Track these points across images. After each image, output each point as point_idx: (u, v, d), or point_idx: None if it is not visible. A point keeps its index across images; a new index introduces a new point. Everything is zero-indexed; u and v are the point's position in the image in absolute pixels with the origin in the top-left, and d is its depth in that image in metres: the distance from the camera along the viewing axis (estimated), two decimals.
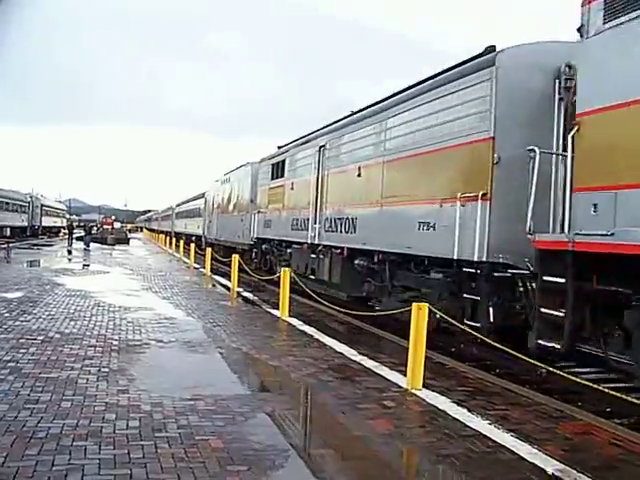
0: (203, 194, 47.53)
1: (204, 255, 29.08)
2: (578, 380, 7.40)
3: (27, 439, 5.46)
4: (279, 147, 24.15)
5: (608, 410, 7.97)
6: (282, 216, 21.91)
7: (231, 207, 32.91)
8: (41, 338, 10.13)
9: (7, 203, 56.33)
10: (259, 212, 25.04)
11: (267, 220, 24.00)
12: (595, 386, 7.26)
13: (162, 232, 76.75)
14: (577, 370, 9.23)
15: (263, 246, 24.75)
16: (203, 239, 44.06)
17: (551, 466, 5.38)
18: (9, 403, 6.51)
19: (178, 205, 71.42)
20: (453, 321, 9.31)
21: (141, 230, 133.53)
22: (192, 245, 36.35)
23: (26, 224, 65.35)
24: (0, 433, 5.58)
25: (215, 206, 38.92)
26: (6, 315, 12.35)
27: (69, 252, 40.88)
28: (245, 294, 18.71)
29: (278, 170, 22.93)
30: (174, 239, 54.36)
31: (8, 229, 55.69)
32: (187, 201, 62.33)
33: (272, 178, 23.66)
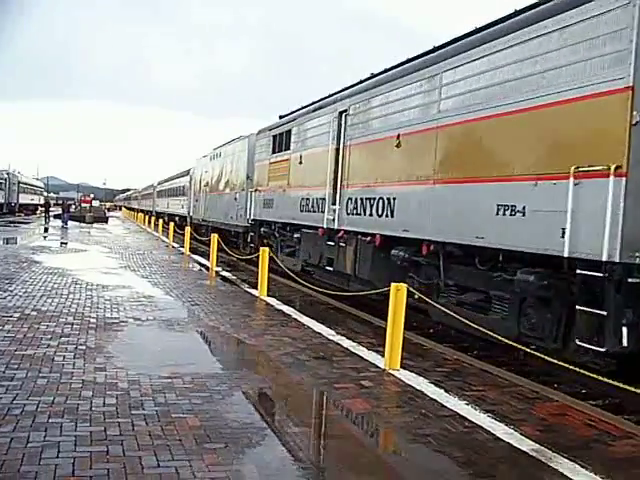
0: (188, 171, 43.94)
1: (184, 235, 28.76)
2: (554, 361, 7.44)
3: (1, 416, 5.43)
4: (281, 116, 20.86)
5: (583, 392, 8.09)
6: (287, 195, 18.48)
7: (222, 185, 29.44)
8: (17, 315, 10.05)
9: None
10: (257, 190, 21.81)
11: (267, 200, 20.55)
12: (572, 367, 7.31)
13: (142, 211, 73.45)
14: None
15: (262, 229, 21.47)
16: (188, 219, 40.55)
17: (526, 446, 5.44)
18: None
19: (160, 183, 67.20)
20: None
21: (120, 209, 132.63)
22: (171, 225, 35.65)
23: (2, 201, 64.67)
24: None
25: (203, 184, 35.04)
26: None
27: (45, 230, 40.55)
28: (224, 273, 18.69)
29: (282, 142, 19.45)
30: (155, 219, 52.92)
31: None
32: (170, 179, 57.91)
33: (273, 152, 20.24)
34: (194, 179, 39.35)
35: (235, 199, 25.99)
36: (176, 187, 51.49)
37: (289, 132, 18.87)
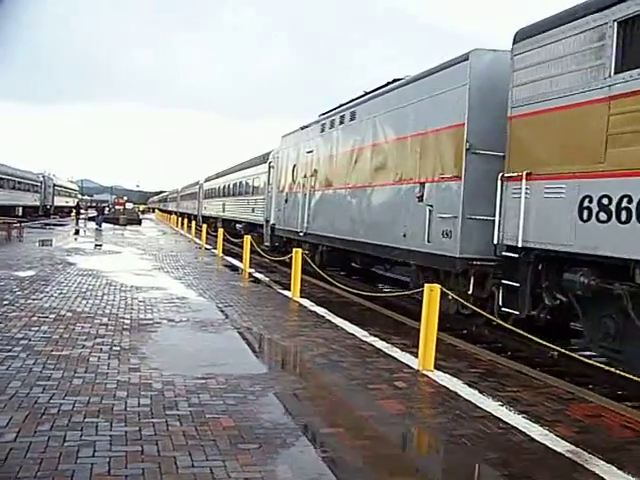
0: (265, 157, 29.65)
1: (216, 236, 28.62)
2: (590, 362, 7.36)
3: (39, 415, 5.50)
4: None
5: (619, 393, 7.97)
6: None
7: (365, 172, 15.54)
8: (53, 316, 10.18)
9: (19, 182, 56.44)
10: (541, 178, 9.30)
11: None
12: (607, 368, 7.23)
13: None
14: (589, 353, 9.18)
15: (566, 277, 8.91)
16: (266, 230, 26.69)
17: (562, 447, 5.38)
18: (22, 380, 6.55)
19: (209, 179, 53.66)
20: (473, 307, 9.08)
21: (153, 211, 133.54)
22: (204, 227, 34.02)
23: (38, 204, 65.56)
24: (13, 409, 5.63)
25: (302, 174, 20.97)
26: (18, 293, 12.41)
27: (76, 232, 40.92)
28: (257, 275, 18.73)
29: None
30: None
31: (20, 208, 55.88)
32: (227, 172, 43.81)
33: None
34: (279, 168, 24.96)
35: (419, 199, 12.64)
36: (240, 182, 36.94)
37: None
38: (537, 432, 5.74)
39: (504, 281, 9.97)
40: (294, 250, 14.55)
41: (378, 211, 14.60)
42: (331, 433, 5.61)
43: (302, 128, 21.65)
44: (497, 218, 10.03)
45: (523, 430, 5.78)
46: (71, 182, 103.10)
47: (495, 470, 4.99)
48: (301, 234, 20.16)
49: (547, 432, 5.75)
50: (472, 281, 11.08)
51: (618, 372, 7.05)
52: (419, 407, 6.48)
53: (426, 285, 8.11)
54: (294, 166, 21.97)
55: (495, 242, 10.10)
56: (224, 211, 41.68)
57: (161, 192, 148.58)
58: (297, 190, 21.40)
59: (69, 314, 10.47)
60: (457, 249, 11.07)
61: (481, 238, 10.58)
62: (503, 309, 10.00)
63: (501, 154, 10.12)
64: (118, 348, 8.26)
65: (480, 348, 9.72)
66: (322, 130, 19.32)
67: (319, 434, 5.57)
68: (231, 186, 40.23)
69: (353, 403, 6.73)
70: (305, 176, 20.40)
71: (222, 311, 11.72)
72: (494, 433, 5.72)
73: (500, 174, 9.96)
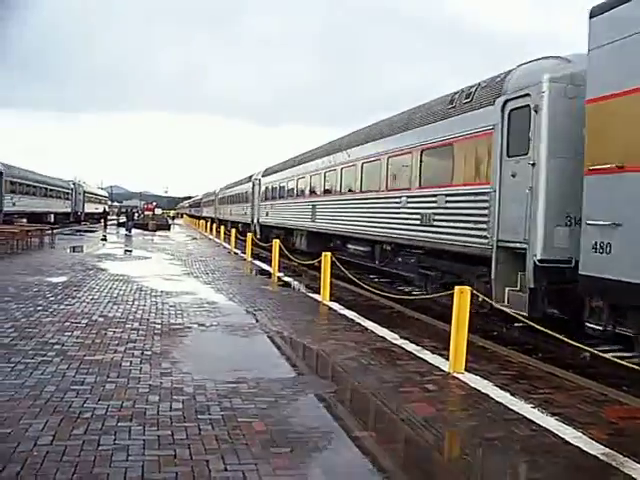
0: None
1: (245, 241, 28.65)
2: (623, 363, 7.27)
3: (74, 419, 5.57)
4: None
5: None
6: None
7: None
8: (85, 321, 10.28)
9: (51, 190, 57.09)
10: None
11: None
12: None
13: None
14: (622, 354, 9.07)
15: None
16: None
17: (596, 450, 5.31)
18: (56, 384, 6.63)
19: (271, 172, 35.23)
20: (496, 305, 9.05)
21: (181, 217, 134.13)
22: (233, 231, 34.29)
23: (69, 210, 66.21)
24: (48, 413, 5.71)
25: None
26: (51, 299, 12.55)
27: (104, 238, 41.20)
28: (286, 279, 18.74)
29: None
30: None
31: (52, 215, 56.51)
32: (335, 149, 22.47)
33: None
34: None
35: None
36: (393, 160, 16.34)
37: None
38: (570, 434, 5.69)
39: None
40: (323, 254, 14.42)
41: None
42: (363, 437, 5.60)
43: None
44: None
45: (556, 432, 5.73)
46: (100, 189, 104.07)
47: (528, 473, 4.95)
48: None
49: (580, 434, 5.69)
50: None
51: None
52: (450, 410, 6.45)
53: (456, 287, 8.06)
54: None
55: None
56: (314, 219, 24.45)
57: (189, 197, 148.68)
58: None
59: (101, 319, 10.57)
60: None
61: None
62: None
63: None
64: (150, 353, 8.32)
65: (511, 350, 9.64)
66: None
67: (351, 437, 5.55)
68: (365, 169, 18.81)
69: (384, 406, 6.72)
70: None
71: (252, 315, 11.75)
72: (526, 436, 5.68)
73: None
